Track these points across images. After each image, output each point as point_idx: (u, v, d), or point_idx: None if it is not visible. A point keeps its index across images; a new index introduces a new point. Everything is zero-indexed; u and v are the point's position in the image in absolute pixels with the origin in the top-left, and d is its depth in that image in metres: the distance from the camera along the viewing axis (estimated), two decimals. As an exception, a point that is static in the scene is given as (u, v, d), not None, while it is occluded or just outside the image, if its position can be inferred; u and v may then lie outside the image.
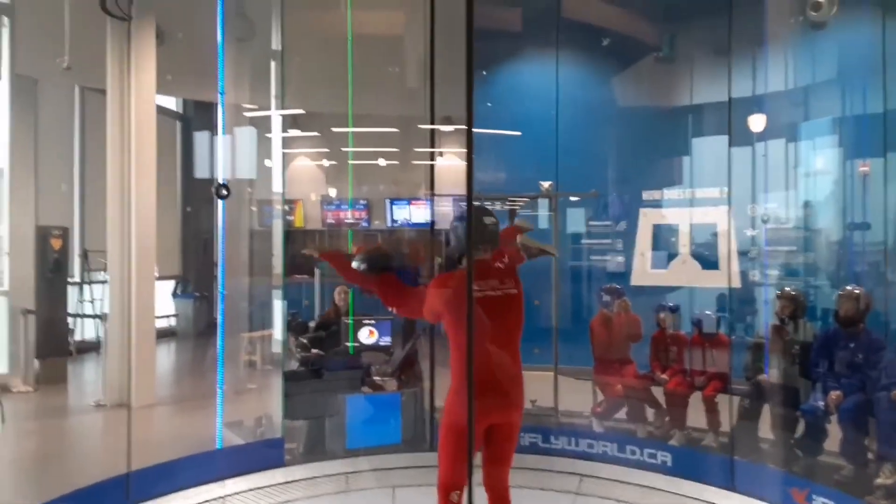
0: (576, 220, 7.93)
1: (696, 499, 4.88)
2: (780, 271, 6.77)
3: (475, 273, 3.19)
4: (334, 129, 7.47)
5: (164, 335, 10.80)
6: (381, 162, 11.14)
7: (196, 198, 12.77)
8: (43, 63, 7.86)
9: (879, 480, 4.32)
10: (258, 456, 5.15)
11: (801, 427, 5.00)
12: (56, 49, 7.03)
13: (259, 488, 4.98)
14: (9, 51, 7.50)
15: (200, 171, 12.43)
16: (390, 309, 4.13)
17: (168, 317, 11.74)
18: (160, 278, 8.95)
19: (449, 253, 3.66)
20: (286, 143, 6.80)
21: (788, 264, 6.78)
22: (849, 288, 5.05)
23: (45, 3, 7.38)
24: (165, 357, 10.38)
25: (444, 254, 3.66)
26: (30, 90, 8.29)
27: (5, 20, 7.45)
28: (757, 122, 6.97)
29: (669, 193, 6.85)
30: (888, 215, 6.45)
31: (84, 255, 9.94)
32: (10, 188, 7.80)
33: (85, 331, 9.78)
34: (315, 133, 10.46)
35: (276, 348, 7.82)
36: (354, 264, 3.89)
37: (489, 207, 6.27)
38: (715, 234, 6.20)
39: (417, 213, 11.80)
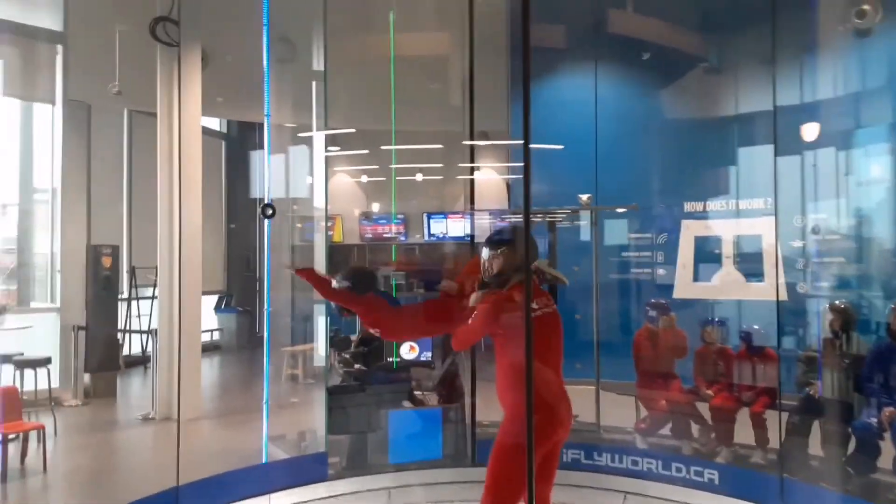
0: (616, 233, 7.87)
1: (745, 517, 4.78)
2: (831, 283, 6.60)
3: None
4: (382, 148, 7.58)
5: (207, 349, 11.02)
6: (419, 177, 11.24)
7: (239, 215, 13.07)
8: (94, 88, 8.18)
9: (938, 500, 4.16)
10: (303, 470, 5.20)
11: (852, 444, 4.85)
12: (106, 75, 7.32)
13: (304, 502, 5.03)
14: (62, 77, 7.80)
15: (244, 190, 12.74)
16: (372, 331, 4.11)
17: (212, 331, 11.99)
18: (205, 293, 9.16)
19: (500, 271, 3.47)
20: (327, 160, 6.91)
21: (839, 276, 6.61)
22: (903, 301, 4.91)
23: (97, 30, 7.68)
24: (209, 371, 10.58)
25: (487, 272, 3.50)
26: (82, 114, 8.60)
27: (59, 48, 7.76)
28: (809, 131, 6.83)
29: (712, 205, 6.76)
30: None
31: (132, 272, 10.24)
32: (63, 208, 8.09)
33: (132, 345, 10.06)
34: (359, 151, 10.61)
35: (318, 362, 7.93)
36: (335, 283, 3.93)
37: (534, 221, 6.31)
38: (760, 246, 6.09)
39: (454, 227, 11.85)
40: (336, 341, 6.37)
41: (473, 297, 3.47)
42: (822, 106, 7.05)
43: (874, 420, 4.61)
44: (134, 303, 10.30)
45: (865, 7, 6.39)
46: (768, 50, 5.17)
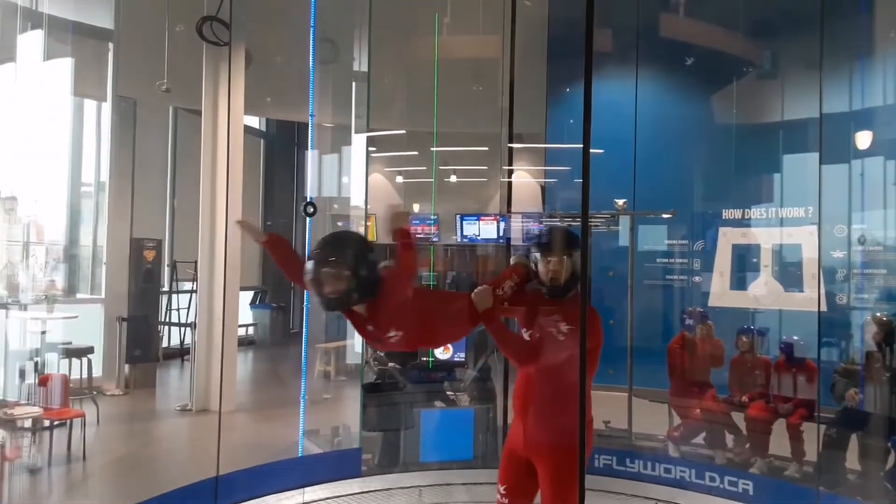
0: (653, 239, 7.82)
1: (779, 530, 4.72)
2: (875, 295, 6.47)
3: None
4: (431, 149, 7.66)
5: (241, 344, 11.21)
6: (453, 178, 11.30)
7: (277, 212, 13.27)
8: (142, 85, 8.39)
9: (981, 520, 4.07)
10: (337, 465, 5.28)
11: (892, 459, 4.76)
12: (152, 72, 7.50)
13: (337, 497, 5.10)
14: (112, 74, 8.02)
15: (281, 188, 12.93)
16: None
17: (247, 326, 12.19)
18: (243, 289, 9.32)
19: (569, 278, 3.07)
20: (368, 160, 7.01)
21: (883, 288, 6.47)
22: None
23: (146, 29, 7.88)
24: (243, 365, 10.76)
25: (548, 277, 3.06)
26: (129, 110, 8.83)
27: (110, 45, 7.98)
28: (860, 139, 6.70)
29: (752, 212, 6.67)
30: None
31: (173, 266, 10.48)
32: (110, 202, 8.32)
33: (171, 338, 10.28)
34: (401, 153, 10.71)
35: (350, 359, 8.02)
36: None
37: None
38: (800, 255, 6.00)
39: (486, 229, 11.87)
40: (371, 339, 6.43)
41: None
42: (870, 114, 6.91)
43: (916, 436, 4.53)
44: (174, 296, 10.53)
45: (916, 14, 6.27)
46: (816, 56, 5.10)
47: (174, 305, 10.48)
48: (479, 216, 11.91)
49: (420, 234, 12.26)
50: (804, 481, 5.04)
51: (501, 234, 10.29)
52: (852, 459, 5.04)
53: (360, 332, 3.08)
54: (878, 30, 6.44)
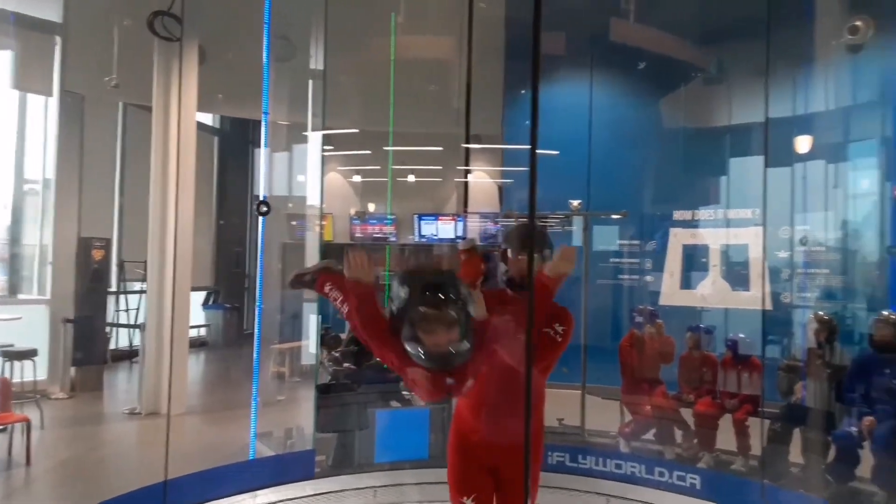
0: (606, 239, 7.95)
1: (726, 523, 4.85)
2: (817, 294, 6.71)
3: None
4: (384, 148, 7.63)
5: (193, 345, 10.99)
6: (411, 178, 11.29)
7: (230, 211, 13.05)
8: (90, 80, 8.16)
9: (914, 509, 4.25)
10: (290, 467, 5.22)
11: (833, 452, 4.93)
12: (102, 67, 7.31)
13: (289, 500, 5.05)
14: (59, 68, 7.78)
15: (234, 186, 12.72)
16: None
17: (199, 327, 11.96)
18: (194, 289, 9.15)
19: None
20: (324, 159, 6.95)
21: (825, 287, 6.72)
22: (885, 313, 5.01)
23: (95, 22, 7.68)
24: (195, 367, 10.56)
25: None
26: (77, 106, 8.59)
27: (57, 39, 7.74)
28: (801, 144, 6.93)
29: (701, 214, 6.84)
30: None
31: (121, 266, 10.21)
32: (56, 200, 8.07)
33: (119, 340, 10.02)
34: (356, 151, 10.65)
35: (305, 360, 7.94)
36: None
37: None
38: (747, 255, 6.18)
39: (445, 229, 11.90)
40: (326, 339, 6.39)
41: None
42: (813, 119, 7.16)
43: (854, 429, 4.70)
44: (122, 297, 10.26)
45: (858, 23, 6.50)
46: (762, 62, 5.25)
47: (122, 306, 10.22)
48: (437, 216, 11.94)
49: (378, 233, 12.24)
50: (749, 474, 5.19)
51: (459, 233, 10.34)
52: (795, 453, 5.21)
53: (436, 388, 2.54)
54: (821, 37, 6.67)
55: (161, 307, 7.17)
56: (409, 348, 2.35)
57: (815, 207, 7.12)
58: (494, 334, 2.69)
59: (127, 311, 10.26)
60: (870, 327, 5.03)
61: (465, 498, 2.98)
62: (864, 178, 7.21)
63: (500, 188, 10.51)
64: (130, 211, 10.17)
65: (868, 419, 4.63)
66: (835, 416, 5.07)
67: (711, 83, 8.12)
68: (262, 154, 5.33)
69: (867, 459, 4.72)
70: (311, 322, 6.44)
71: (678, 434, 5.81)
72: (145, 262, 7.62)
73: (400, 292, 2.39)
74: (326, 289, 3.07)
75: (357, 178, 11.91)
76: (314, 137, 6.41)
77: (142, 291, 9.23)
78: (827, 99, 7.22)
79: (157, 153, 7.20)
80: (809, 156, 7.04)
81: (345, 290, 2.92)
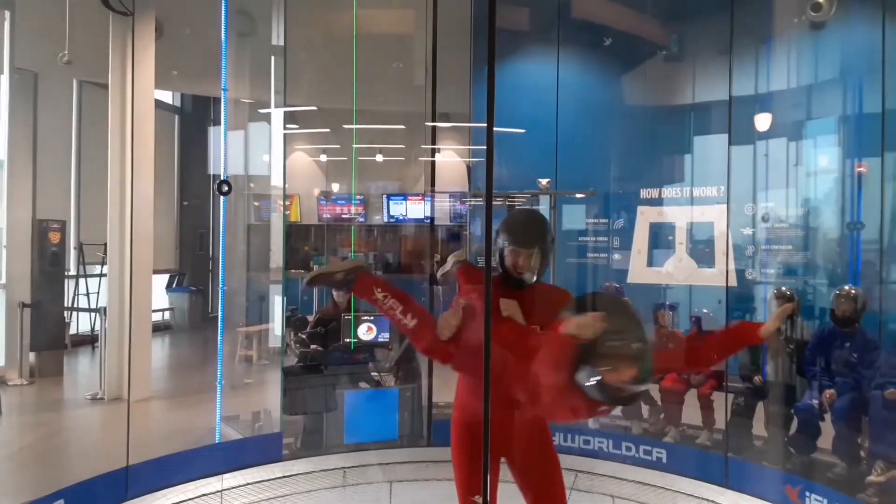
0: (575, 218, 7.96)
1: (690, 495, 4.93)
2: (779, 270, 6.82)
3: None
4: (344, 127, 7.49)
5: (158, 329, 10.81)
6: (379, 157, 11.18)
7: (193, 192, 12.79)
8: (43, 57, 7.87)
9: (871, 478, 4.36)
10: (256, 450, 5.17)
11: (794, 425, 5.04)
12: (56, 43, 7.03)
13: (257, 482, 5.01)
14: (9, 44, 7.48)
15: (198, 166, 12.46)
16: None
17: (163, 311, 11.76)
18: (157, 272, 8.97)
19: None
20: (286, 138, 6.81)
21: (787, 263, 6.83)
22: (846, 288, 5.10)
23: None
24: (161, 351, 10.39)
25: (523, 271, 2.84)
26: (29, 83, 8.28)
27: (6, 14, 7.43)
28: (762, 121, 7.00)
29: (667, 192, 6.89)
30: (885, 215, 6.49)
31: (80, 248, 9.95)
32: (9, 181, 7.80)
33: (80, 324, 9.79)
34: (319, 129, 10.47)
35: (273, 343, 7.86)
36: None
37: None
38: (712, 233, 6.24)
39: (414, 209, 11.83)
40: (293, 321, 6.32)
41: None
42: (776, 97, 7.23)
43: (815, 402, 4.80)
44: (82, 280, 10.02)
45: (821, 0, 6.56)
46: (726, 40, 5.27)
47: (82, 290, 9.97)
48: (405, 196, 11.85)
49: (346, 214, 12.11)
50: (714, 448, 5.28)
51: (428, 214, 10.28)
52: (758, 427, 5.31)
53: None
54: (784, 14, 6.72)
55: (122, 290, 7.00)
56: (581, 379, 2.21)
57: (777, 185, 7.22)
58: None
59: (88, 294, 10.02)
60: (831, 302, 5.11)
61: (476, 497, 2.85)
62: (824, 155, 7.32)
63: (469, 167, 10.46)
64: (88, 192, 9.90)
65: (828, 392, 4.74)
66: (796, 390, 5.17)
67: (676, 60, 8.14)
68: (221, 132, 5.19)
69: (828, 431, 4.83)
70: (277, 304, 6.37)
71: (645, 409, 5.88)
72: (105, 244, 7.43)
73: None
74: (378, 295, 2.82)
75: (323, 158, 11.75)
76: (276, 115, 6.27)
77: (102, 275, 9.03)
78: (789, 76, 7.29)
79: (115, 132, 6.98)
80: (771, 133, 7.12)
81: (406, 301, 2.81)
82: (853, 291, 5.02)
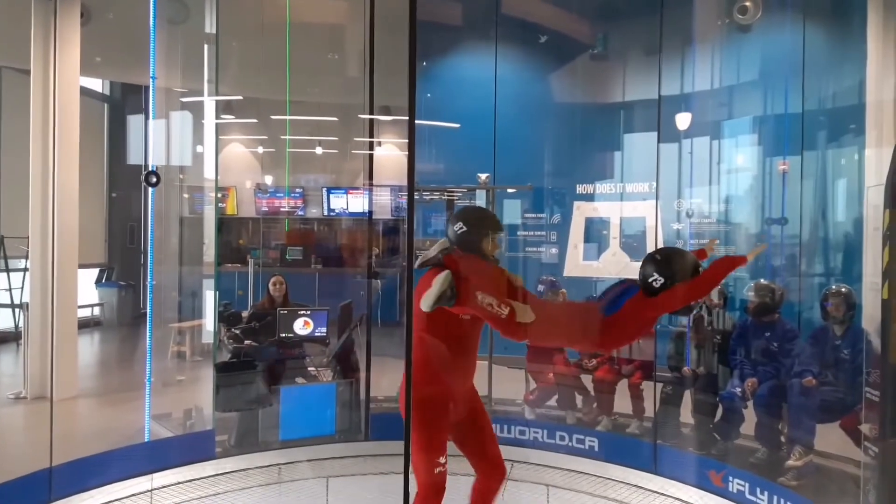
0: (512, 212, 8.06)
1: (620, 482, 5.08)
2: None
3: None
4: (272, 117, 7.35)
5: (87, 325, 10.41)
6: (318, 150, 11.04)
7: (123, 183, 12.33)
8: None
9: (790, 462, 4.56)
10: (188, 448, 5.05)
11: (719, 412, 5.24)
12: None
13: (189, 481, 4.90)
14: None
15: (128, 156, 12.02)
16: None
17: (92, 306, 11.32)
18: (84, 266, 8.62)
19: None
20: (220, 129, 6.64)
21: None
22: (761, 282, 5.30)
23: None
24: (89, 348, 10.02)
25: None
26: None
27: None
28: (683, 120, 7.23)
29: (601, 187, 7.04)
30: (804, 211, 6.81)
31: (0, 242, 9.48)
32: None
33: (1, 321, 9.35)
34: (251, 120, 10.26)
35: (207, 339, 7.68)
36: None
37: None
38: (643, 227, 6.42)
39: (355, 203, 11.75)
40: (226, 316, 6.19)
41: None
42: (702, 96, 7.47)
43: (738, 390, 5.00)
44: (3, 275, 9.55)
45: (748, 3, 6.81)
46: (656, 41, 5.41)
47: (4, 286, 9.51)
48: (346, 189, 11.75)
49: (285, 207, 11.92)
50: (644, 436, 5.44)
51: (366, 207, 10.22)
52: (686, 414, 5.50)
53: None
54: (711, 17, 6.95)
55: (45, 285, 6.71)
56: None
57: (701, 182, 7.48)
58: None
59: (10, 290, 9.56)
60: (747, 294, 5.30)
61: (440, 457, 3.17)
62: (745, 154, 7.64)
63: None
64: (10, 183, 9.43)
65: (750, 380, 4.93)
66: (718, 379, 5.38)
67: (605, 59, 8.32)
68: (149, 122, 5.03)
69: (751, 418, 5.04)
70: (209, 299, 6.23)
71: (579, 400, 6.01)
72: (27, 237, 7.10)
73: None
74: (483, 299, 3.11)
75: (260, 150, 11.54)
76: (209, 105, 6.12)
77: (25, 269, 8.63)
78: (713, 77, 7.55)
79: (37, 120, 6.68)
80: (697, 132, 7.36)
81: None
82: (770, 285, 5.23)
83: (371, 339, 5.67)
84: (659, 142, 5.51)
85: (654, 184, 5.97)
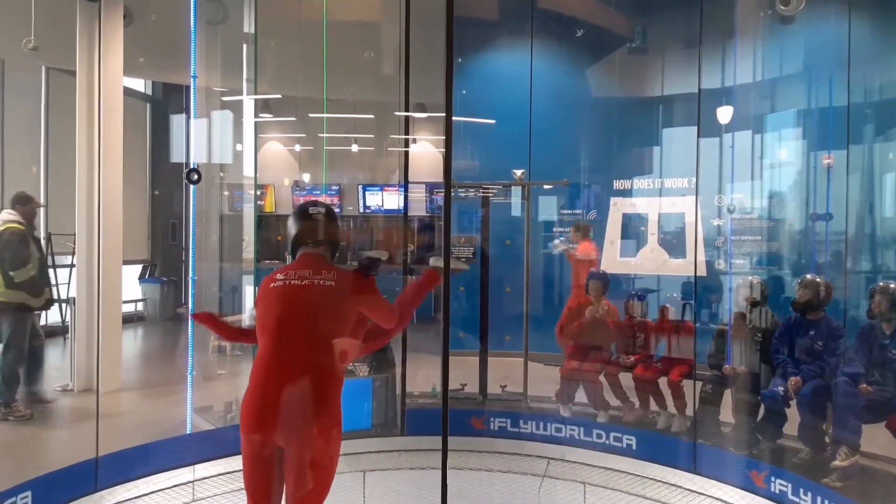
0: (548, 209, 8.02)
1: (659, 481, 5.02)
2: (745, 260, 6.93)
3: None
4: (309, 115, 7.41)
5: (131, 320, 10.67)
6: (354, 147, 11.10)
7: (165, 182, 12.61)
8: (9, 43, 7.68)
9: (836, 463, 4.45)
10: (228, 441, 5.13)
11: (761, 412, 5.13)
12: (23, 29, 6.88)
13: (229, 473, 4.98)
14: (-27, 30, 7.30)
15: (170, 155, 12.29)
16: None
17: (135, 301, 11.59)
18: (128, 263, 8.85)
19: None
20: (258, 127, 6.74)
21: (753, 253, 6.94)
22: (808, 277, 5.18)
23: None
24: (133, 342, 10.27)
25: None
26: (-5, 70, 8.10)
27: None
28: (724, 114, 7.09)
29: (639, 183, 6.95)
30: (849, 206, 6.63)
31: (48, 239, 9.77)
32: (-26, 170, 7.64)
33: (49, 315, 9.62)
34: (289, 118, 10.37)
35: (247, 334, 7.79)
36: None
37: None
38: (682, 223, 6.32)
39: (390, 200, 11.79)
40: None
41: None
42: (744, 90, 7.32)
43: (781, 389, 4.89)
44: (51, 271, 9.84)
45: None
46: (696, 33, 5.32)
47: (52, 281, 9.80)
48: (382, 186, 11.81)
49: (320, 204, 12.00)
50: (683, 434, 5.36)
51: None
52: (727, 414, 5.40)
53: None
54: (751, 9, 6.80)
55: (91, 281, 6.90)
56: None
57: (743, 177, 7.33)
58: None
59: (58, 285, 9.85)
60: (795, 291, 5.20)
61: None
62: (789, 148, 7.46)
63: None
64: (57, 181, 9.72)
65: (794, 379, 4.83)
66: (760, 378, 5.27)
67: (644, 53, 8.20)
68: (191, 121, 5.13)
69: (794, 418, 4.93)
70: (249, 294, 6.33)
71: (610, 396, 5.94)
72: (74, 234, 7.31)
73: None
74: None
75: (297, 148, 11.66)
76: (248, 104, 6.22)
77: (72, 265, 8.88)
78: (754, 70, 7.39)
79: (83, 120, 6.86)
80: (738, 126, 7.21)
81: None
82: (816, 280, 5.10)
83: (407, 335, 5.70)
84: (699, 136, 5.41)
85: (694, 179, 5.87)
